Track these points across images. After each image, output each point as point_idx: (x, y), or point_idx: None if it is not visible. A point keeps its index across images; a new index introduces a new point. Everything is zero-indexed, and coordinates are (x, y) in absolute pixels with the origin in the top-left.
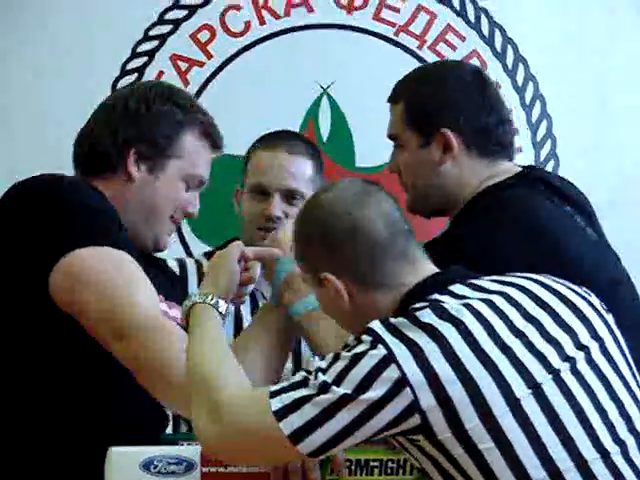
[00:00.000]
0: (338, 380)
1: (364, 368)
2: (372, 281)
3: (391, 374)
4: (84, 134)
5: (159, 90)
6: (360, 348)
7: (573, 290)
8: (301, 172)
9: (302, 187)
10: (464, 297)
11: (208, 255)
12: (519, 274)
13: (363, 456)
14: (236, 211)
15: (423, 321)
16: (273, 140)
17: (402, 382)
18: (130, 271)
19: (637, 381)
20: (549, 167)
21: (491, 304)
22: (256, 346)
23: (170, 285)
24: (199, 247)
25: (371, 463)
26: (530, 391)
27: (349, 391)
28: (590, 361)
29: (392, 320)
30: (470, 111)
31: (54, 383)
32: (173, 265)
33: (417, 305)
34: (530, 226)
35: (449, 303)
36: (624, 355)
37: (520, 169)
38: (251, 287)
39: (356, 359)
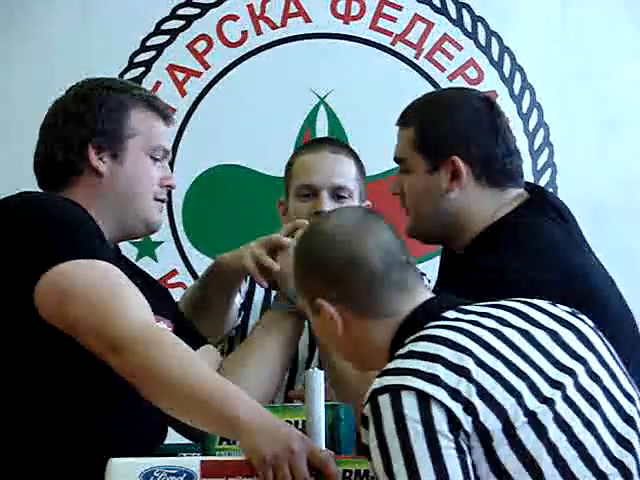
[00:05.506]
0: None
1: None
2: (367, 310)
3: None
4: (39, 154)
5: (91, 84)
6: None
7: (565, 311)
8: (346, 170)
9: (349, 184)
10: (457, 320)
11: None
12: (513, 299)
13: (362, 467)
14: (283, 222)
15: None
16: (315, 144)
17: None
18: (117, 281)
19: (633, 388)
20: (547, 175)
21: (484, 326)
22: (264, 354)
23: (158, 298)
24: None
25: (371, 473)
26: (544, 406)
27: None
28: (591, 375)
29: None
30: (480, 140)
31: (50, 396)
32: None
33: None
34: (557, 256)
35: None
36: (620, 367)
37: (528, 195)
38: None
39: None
